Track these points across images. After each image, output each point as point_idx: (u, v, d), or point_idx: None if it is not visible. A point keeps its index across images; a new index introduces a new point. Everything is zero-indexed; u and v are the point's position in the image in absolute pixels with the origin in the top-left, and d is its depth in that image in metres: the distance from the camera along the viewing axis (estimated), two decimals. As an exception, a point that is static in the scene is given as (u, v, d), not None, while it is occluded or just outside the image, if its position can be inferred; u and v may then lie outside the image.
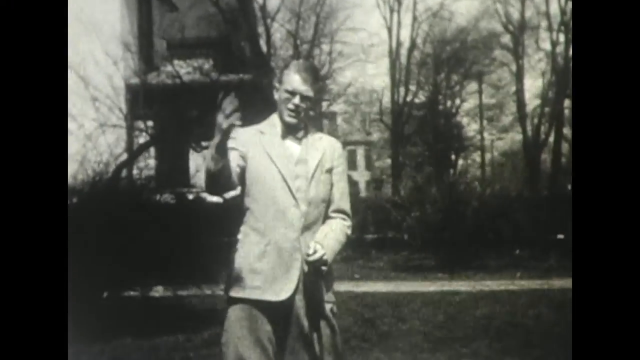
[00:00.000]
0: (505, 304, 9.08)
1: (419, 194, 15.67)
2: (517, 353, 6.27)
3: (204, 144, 17.85)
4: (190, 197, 12.61)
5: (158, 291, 8.49)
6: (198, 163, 16.48)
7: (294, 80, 3.20)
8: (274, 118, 3.32)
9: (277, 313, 3.16)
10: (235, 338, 3.16)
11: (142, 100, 17.43)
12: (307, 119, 3.29)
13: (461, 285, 11.55)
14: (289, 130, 3.27)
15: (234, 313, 3.19)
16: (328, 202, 3.30)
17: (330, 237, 3.20)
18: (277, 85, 3.29)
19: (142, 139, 17.40)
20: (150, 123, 17.67)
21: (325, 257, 3.09)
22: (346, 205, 3.36)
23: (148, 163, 14.85)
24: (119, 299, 8.27)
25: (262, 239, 3.18)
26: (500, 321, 7.84)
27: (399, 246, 16.81)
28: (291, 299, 3.17)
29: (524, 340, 6.81)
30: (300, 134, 3.29)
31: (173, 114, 16.61)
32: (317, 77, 3.29)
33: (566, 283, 11.45)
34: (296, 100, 3.20)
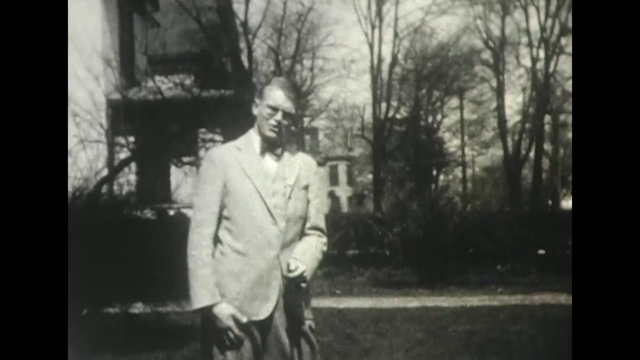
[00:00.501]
0: (486, 320, 9.09)
1: (400, 210, 15.72)
2: (498, 369, 6.29)
3: (185, 159, 17.80)
4: (171, 212, 12.55)
5: (138, 307, 8.43)
6: (179, 179, 16.43)
7: (278, 96, 3.20)
8: (252, 134, 3.32)
9: (256, 331, 3.15)
10: (214, 355, 3.15)
11: (123, 115, 17.37)
12: (287, 136, 3.30)
13: (442, 301, 11.56)
14: (268, 147, 3.27)
15: (213, 331, 3.15)
16: (304, 219, 3.31)
17: (309, 253, 3.21)
18: (257, 100, 3.28)
19: (123, 154, 17.32)
20: (131, 138, 17.59)
21: (305, 274, 3.10)
22: (322, 222, 3.37)
23: (129, 179, 14.75)
24: (98, 316, 8.20)
25: (241, 258, 3.16)
26: (481, 337, 7.85)
27: (380, 262, 16.84)
28: (270, 317, 3.16)
29: (505, 356, 6.82)
30: (279, 150, 3.29)
31: (154, 130, 16.55)
32: (299, 94, 3.35)
33: (547, 298, 11.51)
34: (278, 116, 3.20)
